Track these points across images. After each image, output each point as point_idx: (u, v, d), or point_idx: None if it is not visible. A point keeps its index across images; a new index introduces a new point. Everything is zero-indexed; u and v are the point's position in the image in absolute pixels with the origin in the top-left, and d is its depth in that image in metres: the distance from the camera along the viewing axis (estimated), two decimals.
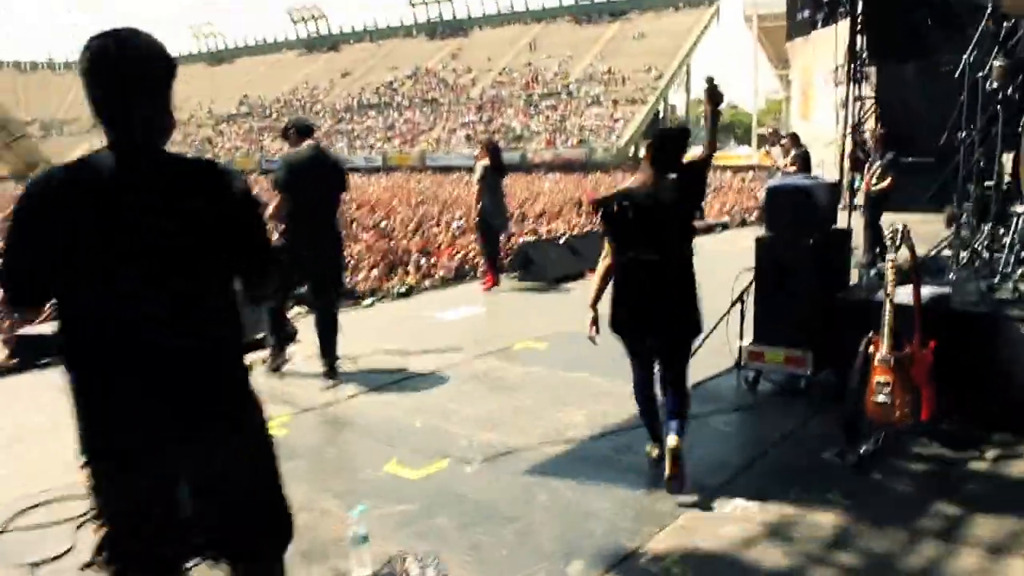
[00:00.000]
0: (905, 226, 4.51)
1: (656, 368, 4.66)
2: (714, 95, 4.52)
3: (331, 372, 6.53)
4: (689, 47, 64.49)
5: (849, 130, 13.19)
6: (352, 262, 19.49)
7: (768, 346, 5.72)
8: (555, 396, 5.92)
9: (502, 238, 11.13)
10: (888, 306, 4.47)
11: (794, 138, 13.31)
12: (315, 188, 6.41)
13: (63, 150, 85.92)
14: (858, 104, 13.31)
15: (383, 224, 26.17)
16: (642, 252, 4.28)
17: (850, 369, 4.66)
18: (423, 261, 19.65)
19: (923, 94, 16.46)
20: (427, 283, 10.72)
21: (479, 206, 10.28)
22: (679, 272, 4.36)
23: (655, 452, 4.69)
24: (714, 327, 6.11)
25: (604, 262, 4.51)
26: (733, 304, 6.00)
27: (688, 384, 4.67)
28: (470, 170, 48.68)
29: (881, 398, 4.49)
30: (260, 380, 5.64)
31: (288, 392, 6.10)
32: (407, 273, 18.18)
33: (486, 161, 10.28)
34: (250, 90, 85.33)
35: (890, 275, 4.49)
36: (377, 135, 68.50)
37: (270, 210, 6.30)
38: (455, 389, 6.18)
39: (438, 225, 25.27)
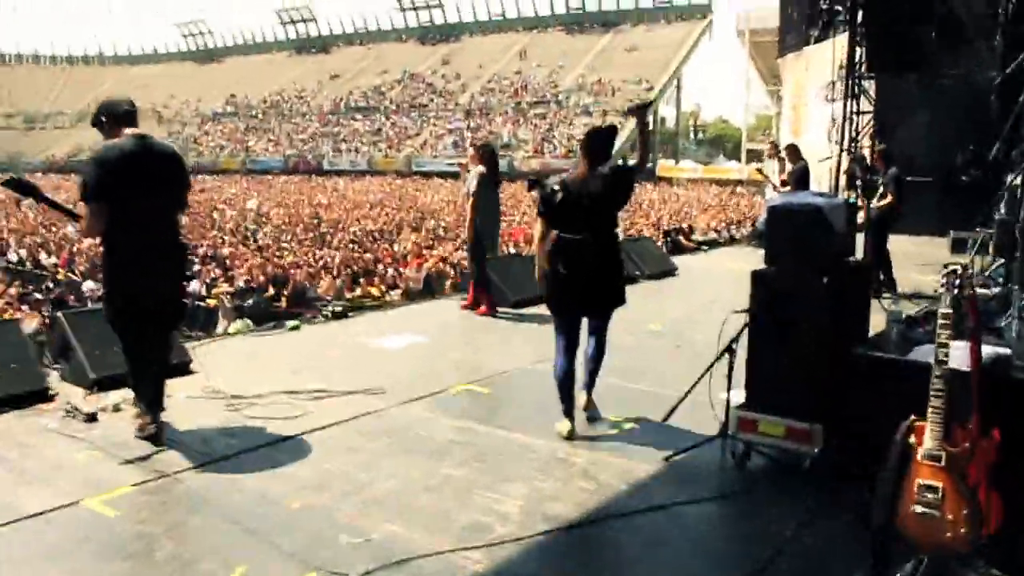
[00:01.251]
0: (965, 267, 3.19)
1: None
2: (639, 114, 5.41)
3: (155, 436, 4.85)
4: (680, 60, 63.79)
5: (846, 145, 12.24)
6: (313, 270, 18.50)
7: (764, 414, 4.39)
8: (488, 467, 4.56)
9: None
10: (940, 379, 3.14)
11: (792, 151, 12.01)
12: (141, 193, 4.72)
13: (48, 143, 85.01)
14: (855, 118, 12.42)
15: (353, 230, 25.11)
16: (570, 231, 4.95)
17: (876, 462, 3.32)
18: (390, 271, 18.60)
19: (924, 109, 15.55)
20: (393, 294, 10.34)
21: (474, 221, 8.57)
22: (605, 250, 5.08)
23: (567, 430, 5.01)
24: (696, 382, 4.79)
25: (538, 239, 5.15)
26: (720, 356, 4.66)
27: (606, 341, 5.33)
28: (455, 176, 48.23)
29: (926, 510, 3.15)
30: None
31: (133, 449, 4.73)
32: (371, 284, 17.03)
33: (481, 168, 8.66)
34: (237, 90, 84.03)
35: (944, 333, 3.16)
36: (363, 139, 67.49)
37: (79, 226, 5.00)
38: (361, 451, 4.80)
39: (415, 232, 24.17)
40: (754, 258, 6.55)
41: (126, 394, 5.34)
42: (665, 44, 64.67)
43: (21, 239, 24.78)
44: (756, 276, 4.40)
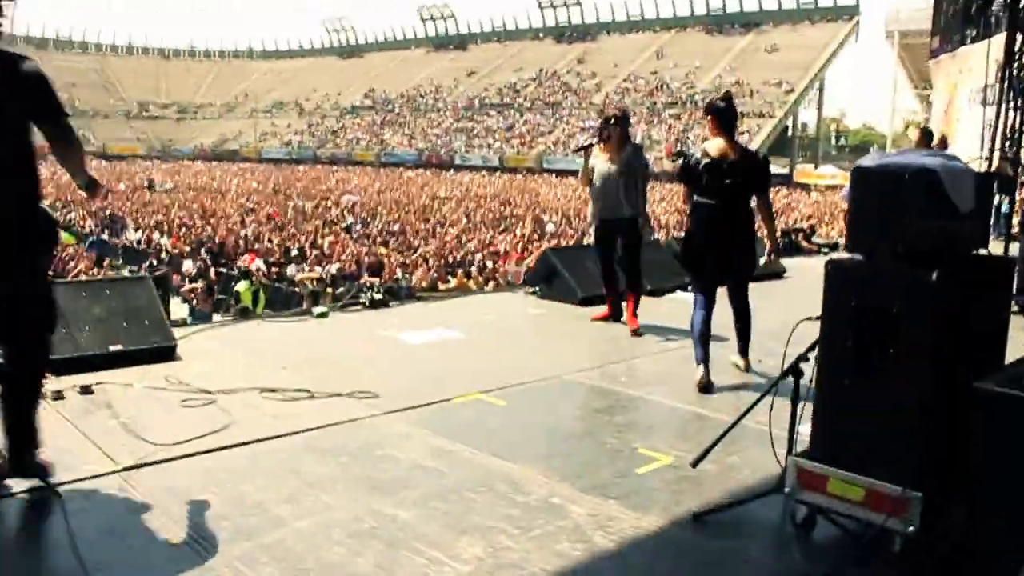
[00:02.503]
0: None
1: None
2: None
3: (22, 466, 3.39)
4: (824, 62, 60.59)
5: (1001, 144, 10.65)
6: (410, 260, 17.75)
7: (838, 467, 3.03)
8: (450, 509, 3.36)
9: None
10: None
11: (923, 135, 10.16)
12: None
13: (197, 132, 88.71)
14: (1014, 116, 10.86)
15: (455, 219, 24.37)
16: (710, 199, 5.26)
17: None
18: (487, 264, 17.65)
19: None
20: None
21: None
22: (741, 219, 5.37)
23: (702, 381, 5.15)
24: (740, 417, 3.47)
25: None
26: (780, 378, 3.32)
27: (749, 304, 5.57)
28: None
29: None
30: None
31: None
32: (468, 275, 16.12)
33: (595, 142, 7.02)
34: (376, 84, 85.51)
35: None
36: (496, 135, 67.31)
37: None
38: (299, 474, 3.70)
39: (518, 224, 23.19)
40: None
41: None
42: (808, 45, 61.53)
43: (137, 220, 25.19)
44: (832, 270, 3.04)
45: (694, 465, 3.33)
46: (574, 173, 48.35)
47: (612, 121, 6.87)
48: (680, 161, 5.48)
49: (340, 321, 7.04)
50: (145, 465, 3.74)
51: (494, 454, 3.99)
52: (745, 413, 3.32)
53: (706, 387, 5.14)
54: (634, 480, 3.73)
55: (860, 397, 2.96)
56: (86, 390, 4.74)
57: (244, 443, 4.04)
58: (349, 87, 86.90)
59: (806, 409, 3.19)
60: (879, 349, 2.90)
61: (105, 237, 23.40)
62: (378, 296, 7.44)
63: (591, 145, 7.03)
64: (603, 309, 7.26)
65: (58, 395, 4.59)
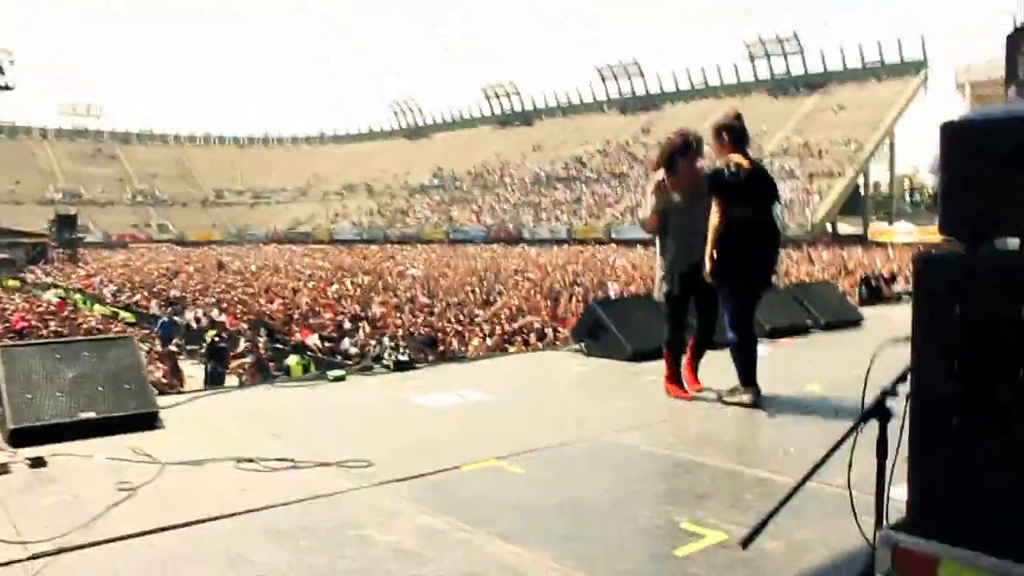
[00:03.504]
0: None
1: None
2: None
3: None
4: (892, 118, 59.01)
5: None
6: (465, 328, 17.09)
7: (951, 544, 2.12)
8: None
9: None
10: None
11: None
12: None
13: (270, 216, 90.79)
14: None
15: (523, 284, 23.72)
16: (745, 211, 5.21)
17: None
18: (547, 330, 16.88)
19: None
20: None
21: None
22: (772, 227, 5.38)
23: (751, 400, 5.18)
24: (803, 480, 2.54)
25: (716, 222, 5.21)
26: (861, 421, 2.42)
27: None
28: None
29: None
30: None
31: None
32: (526, 343, 15.38)
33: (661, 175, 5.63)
34: (444, 163, 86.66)
35: None
36: (563, 207, 67.21)
37: None
38: (237, 567, 2.93)
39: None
40: None
41: None
42: (876, 102, 60.07)
43: (195, 299, 25.19)
44: (923, 266, 2.18)
45: (745, 545, 2.44)
46: (643, 242, 47.90)
47: (695, 145, 5.57)
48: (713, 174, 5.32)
49: (357, 385, 6.30)
50: (65, 551, 3.01)
51: (497, 534, 3.15)
52: (812, 472, 2.43)
53: (755, 404, 5.15)
54: (673, 565, 2.85)
55: (977, 443, 2.08)
56: (37, 463, 4.07)
57: (192, 523, 3.29)
58: (417, 167, 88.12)
59: (899, 463, 2.31)
60: (1001, 374, 2.03)
61: (171, 318, 23.43)
62: (403, 357, 6.68)
63: (663, 181, 5.61)
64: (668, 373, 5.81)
65: (2, 469, 3.94)
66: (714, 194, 5.25)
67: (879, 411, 2.36)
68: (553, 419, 5.14)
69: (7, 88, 55.53)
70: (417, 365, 6.84)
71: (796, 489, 2.40)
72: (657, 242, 5.78)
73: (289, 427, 4.91)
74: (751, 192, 5.26)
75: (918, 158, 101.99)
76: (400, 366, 6.67)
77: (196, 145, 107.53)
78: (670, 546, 3.02)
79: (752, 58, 74.23)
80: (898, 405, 2.33)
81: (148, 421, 4.86)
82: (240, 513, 3.39)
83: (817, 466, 2.41)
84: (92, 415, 4.70)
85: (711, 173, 5.33)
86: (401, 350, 6.80)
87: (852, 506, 2.54)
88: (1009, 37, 22.45)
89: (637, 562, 2.88)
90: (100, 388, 4.84)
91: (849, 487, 2.52)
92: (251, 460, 4.10)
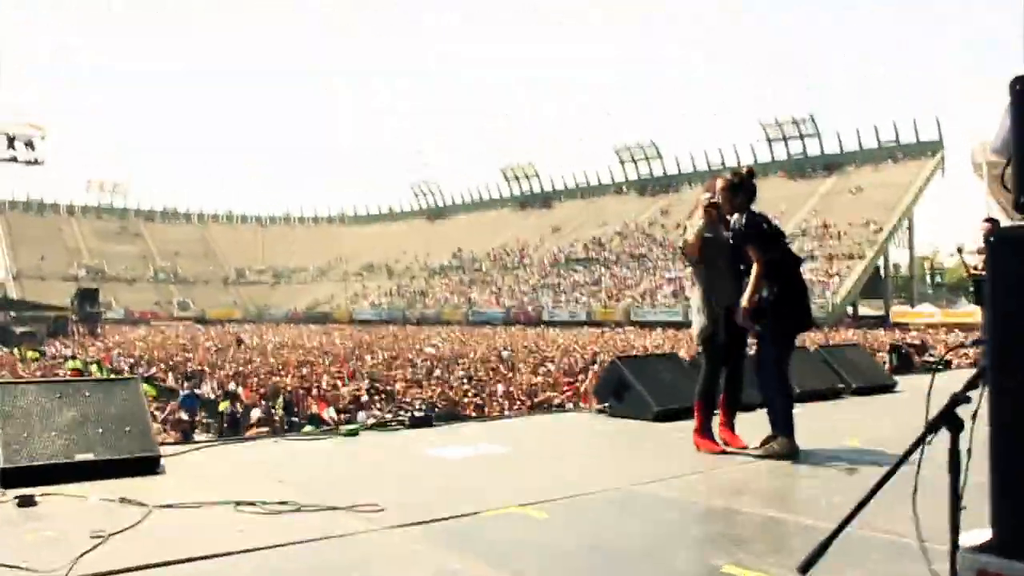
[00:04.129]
0: None
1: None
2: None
3: None
4: (911, 199, 59.00)
5: None
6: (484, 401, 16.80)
7: None
8: None
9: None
10: None
11: (992, 227, 9.05)
12: None
13: (290, 296, 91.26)
14: None
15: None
16: (778, 257, 5.18)
17: None
18: (568, 405, 16.56)
19: None
20: None
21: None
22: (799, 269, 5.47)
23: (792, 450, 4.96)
24: (862, 503, 2.25)
25: (757, 275, 5.04)
26: (929, 431, 2.14)
27: None
28: (675, 326, 45.74)
29: None
30: None
31: None
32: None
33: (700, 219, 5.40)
34: (463, 244, 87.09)
35: None
36: (583, 289, 67.11)
37: None
38: None
39: None
40: None
41: None
42: (894, 183, 60.12)
43: (213, 372, 25.03)
44: (998, 243, 1.94)
45: (804, 571, 2.12)
46: (663, 324, 47.54)
47: (749, 175, 5.45)
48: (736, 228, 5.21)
49: (369, 439, 6.02)
50: None
51: None
52: (877, 488, 2.14)
53: (793, 455, 4.96)
54: None
55: None
56: (27, 502, 3.84)
57: (182, 560, 3.01)
58: (436, 248, 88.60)
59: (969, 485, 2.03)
60: None
61: (192, 391, 23.25)
62: (420, 414, 6.42)
63: (716, 203, 5.35)
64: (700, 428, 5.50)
65: None
66: (749, 241, 5.14)
67: (949, 419, 2.09)
68: (576, 471, 4.84)
69: (37, 163, 56.42)
70: (435, 423, 6.56)
71: (860, 507, 2.12)
72: (695, 279, 5.50)
73: (296, 475, 4.64)
74: (780, 239, 5.34)
75: (938, 238, 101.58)
76: (416, 422, 6.40)
77: (219, 223, 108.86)
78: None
79: (769, 140, 74.83)
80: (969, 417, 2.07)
81: (149, 465, 4.61)
82: (235, 553, 3.11)
83: (881, 483, 2.14)
84: (90, 457, 4.46)
85: (750, 218, 5.19)
86: (419, 407, 6.52)
87: (919, 534, 2.25)
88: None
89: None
90: (100, 430, 4.61)
91: (914, 510, 2.23)
92: (252, 503, 3.83)
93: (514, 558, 3.07)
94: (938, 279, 72.78)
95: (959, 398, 2.09)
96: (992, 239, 1.89)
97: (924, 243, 75.00)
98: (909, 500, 2.20)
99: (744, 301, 5.04)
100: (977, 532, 2.12)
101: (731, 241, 5.26)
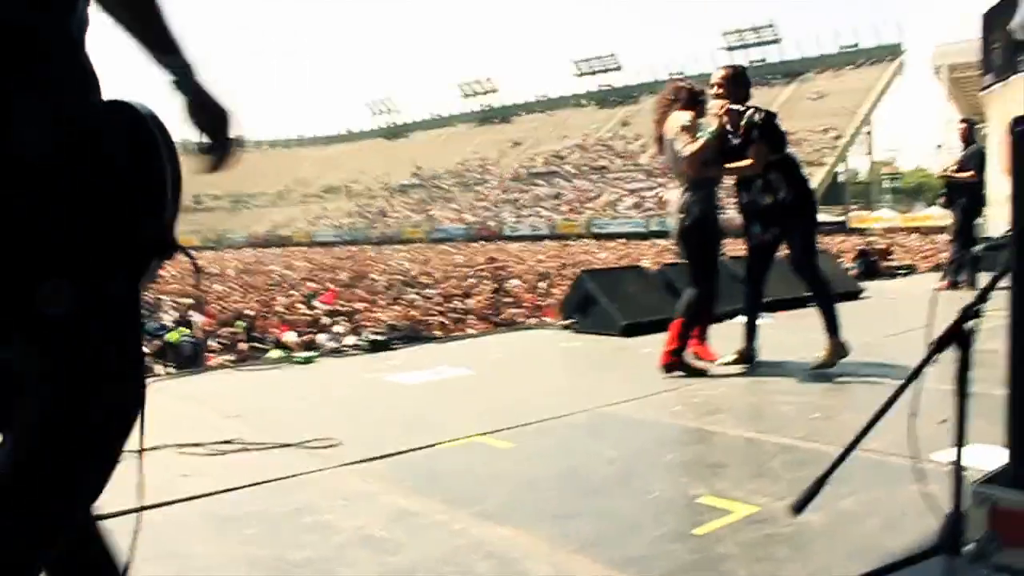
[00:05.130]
0: None
1: None
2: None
3: None
4: (870, 105, 59.00)
5: None
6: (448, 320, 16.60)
7: None
8: None
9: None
10: None
11: (966, 130, 9.70)
12: None
13: (250, 221, 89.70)
14: None
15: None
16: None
17: None
18: (533, 320, 16.42)
19: None
20: None
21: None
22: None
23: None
24: (861, 434, 2.02)
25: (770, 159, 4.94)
26: (935, 351, 1.92)
27: None
28: (638, 236, 45.63)
29: None
30: None
31: None
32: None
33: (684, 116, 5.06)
34: (422, 162, 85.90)
35: None
36: (545, 204, 66.68)
37: None
38: (186, 558, 2.42)
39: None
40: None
41: None
42: (853, 89, 60.00)
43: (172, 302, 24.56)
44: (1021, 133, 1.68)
45: (798, 511, 1.92)
46: (623, 236, 47.41)
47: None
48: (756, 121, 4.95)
49: (326, 366, 5.77)
50: None
51: (483, 515, 2.65)
52: (878, 416, 1.92)
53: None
54: (693, 545, 2.36)
55: None
56: None
57: (115, 514, 2.75)
58: (396, 167, 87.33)
59: (980, 410, 1.82)
60: None
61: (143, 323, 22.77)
62: (378, 336, 6.16)
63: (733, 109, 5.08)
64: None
65: None
66: (767, 136, 4.95)
67: (959, 336, 1.86)
68: (543, 392, 4.63)
69: None
70: (394, 345, 6.31)
71: (857, 440, 1.90)
72: (676, 194, 5.09)
73: (248, 409, 4.38)
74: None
75: (897, 143, 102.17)
76: (376, 346, 6.15)
77: None
78: (689, 523, 2.53)
79: (730, 48, 74.02)
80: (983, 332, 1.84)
81: None
82: (178, 501, 2.87)
83: (882, 411, 1.91)
84: None
85: (768, 114, 5.03)
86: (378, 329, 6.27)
87: (915, 449, 2.05)
88: (985, 15, 22.15)
89: (650, 543, 2.38)
90: None
91: (913, 439, 2.01)
92: (198, 444, 3.58)
93: (477, 494, 2.86)
94: (896, 184, 73.25)
95: (970, 310, 1.85)
96: (1019, 128, 1.63)
97: (881, 148, 75.34)
98: (900, 420, 1.98)
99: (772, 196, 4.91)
100: (975, 450, 1.93)
101: (736, 132, 4.96)
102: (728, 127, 5.02)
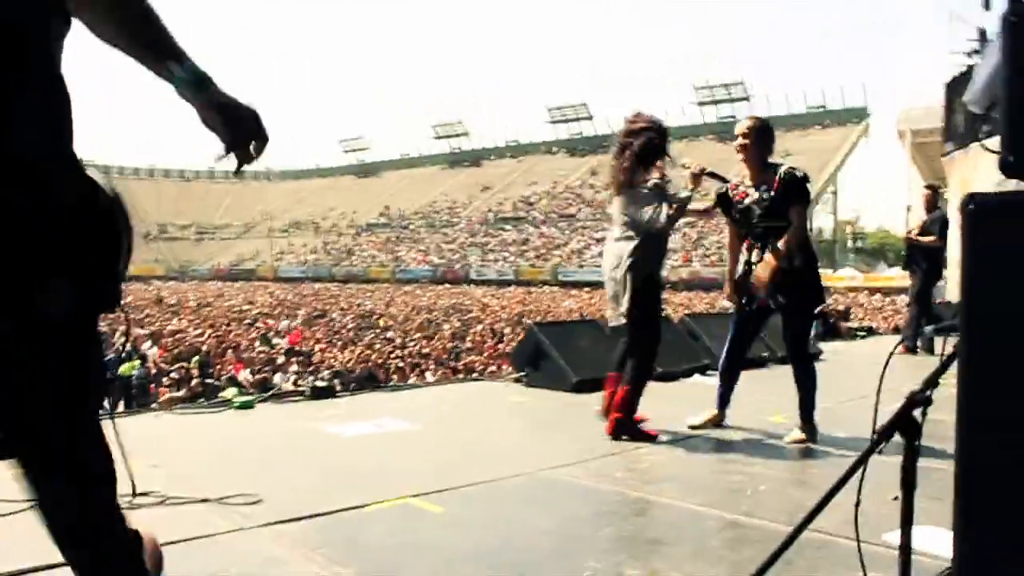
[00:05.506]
0: None
1: None
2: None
3: None
4: (836, 166, 60.10)
5: None
6: (405, 364, 16.36)
7: None
8: None
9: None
10: None
11: (930, 196, 9.61)
12: None
13: (214, 252, 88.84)
14: None
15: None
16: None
17: None
18: (490, 369, 16.23)
19: None
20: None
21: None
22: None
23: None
24: (809, 517, 1.89)
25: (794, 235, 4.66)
26: (882, 440, 1.76)
27: None
28: (600, 285, 46.44)
29: None
30: None
31: None
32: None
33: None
34: (392, 202, 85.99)
35: None
36: (511, 248, 66.80)
37: None
38: None
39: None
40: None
41: None
42: (820, 149, 61.16)
43: (128, 334, 24.06)
44: (974, 210, 1.55)
45: None
46: (588, 284, 47.42)
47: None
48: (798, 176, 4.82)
49: (264, 413, 5.54)
50: None
51: None
52: (824, 502, 1.78)
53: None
54: None
55: None
56: None
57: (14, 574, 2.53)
58: (365, 205, 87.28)
59: (925, 497, 1.68)
60: None
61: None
62: (322, 384, 5.95)
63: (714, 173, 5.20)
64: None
65: None
66: (801, 201, 4.76)
67: (905, 423, 1.72)
68: (483, 452, 4.44)
69: None
70: (338, 393, 6.09)
71: (802, 528, 1.75)
72: (629, 247, 4.73)
73: (173, 457, 4.15)
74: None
75: (860, 203, 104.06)
76: (318, 393, 5.93)
77: (139, 178, 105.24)
78: None
79: (700, 104, 75.25)
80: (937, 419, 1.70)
81: None
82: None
83: (824, 501, 1.77)
84: None
85: (803, 177, 4.83)
86: (323, 376, 6.06)
87: (860, 558, 1.91)
88: (947, 84, 22.64)
89: None
90: None
91: (857, 535, 1.87)
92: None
93: (396, 566, 2.66)
94: (859, 244, 74.39)
95: (918, 396, 1.72)
96: (971, 207, 1.51)
97: (846, 208, 76.54)
98: (851, 496, 1.83)
99: (763, 271, 4.65)
100: (925, 533, 1.78)
101: (769, 196, 4.70)
102: (745, 182, 4.86)
